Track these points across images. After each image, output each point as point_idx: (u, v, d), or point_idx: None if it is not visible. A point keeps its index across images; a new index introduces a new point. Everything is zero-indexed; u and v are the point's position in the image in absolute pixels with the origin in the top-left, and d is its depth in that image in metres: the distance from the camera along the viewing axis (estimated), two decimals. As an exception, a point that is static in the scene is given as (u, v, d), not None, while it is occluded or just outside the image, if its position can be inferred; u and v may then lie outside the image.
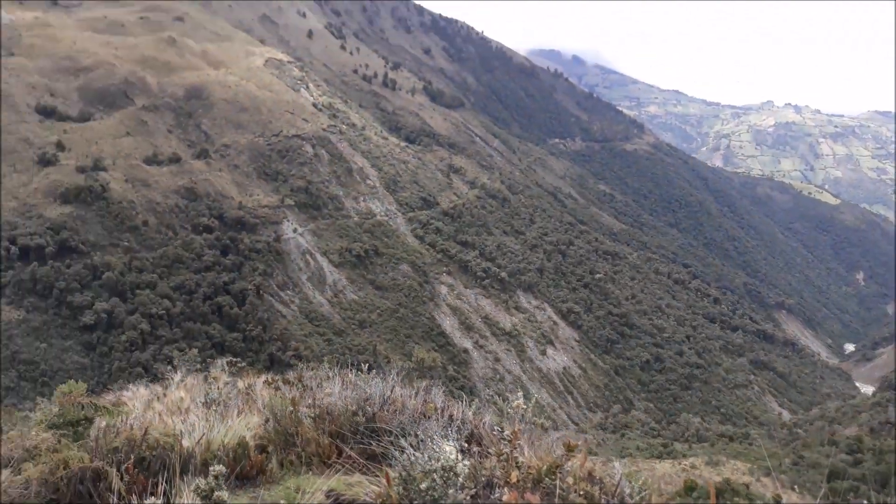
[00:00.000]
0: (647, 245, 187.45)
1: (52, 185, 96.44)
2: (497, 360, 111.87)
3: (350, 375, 7.69)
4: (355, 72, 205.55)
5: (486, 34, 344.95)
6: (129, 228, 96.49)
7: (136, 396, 14.53)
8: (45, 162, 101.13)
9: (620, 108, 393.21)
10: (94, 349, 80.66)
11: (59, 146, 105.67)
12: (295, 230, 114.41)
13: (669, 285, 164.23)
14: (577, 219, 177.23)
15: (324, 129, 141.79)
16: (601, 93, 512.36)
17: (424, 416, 6.07)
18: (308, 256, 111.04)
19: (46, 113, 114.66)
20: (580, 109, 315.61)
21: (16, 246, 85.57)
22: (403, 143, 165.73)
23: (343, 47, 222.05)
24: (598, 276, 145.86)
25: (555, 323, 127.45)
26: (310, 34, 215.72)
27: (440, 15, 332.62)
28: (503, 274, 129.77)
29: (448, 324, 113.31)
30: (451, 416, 6.11)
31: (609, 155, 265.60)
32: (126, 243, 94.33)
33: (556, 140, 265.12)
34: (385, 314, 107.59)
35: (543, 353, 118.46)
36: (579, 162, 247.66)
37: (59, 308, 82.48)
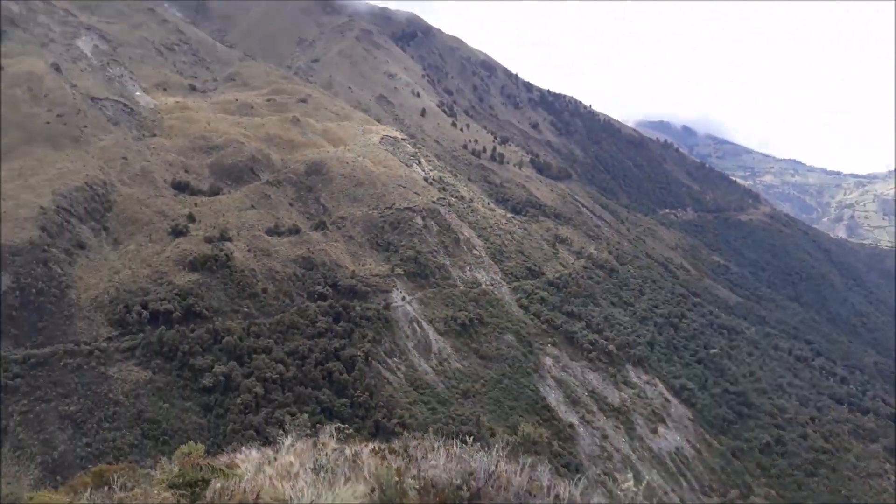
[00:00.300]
0: (765, 319, 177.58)
1: (182, 254, 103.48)
2: (604, 436, 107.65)
3: (454, 447, 7.70)
4: (465, 147, 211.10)
5: (593, 107, 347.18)
6: (249, 295, 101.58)
7: (248, 459, 15.04)
8: (178, 233, 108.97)
9: (734, 178, 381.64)
10: (212, 410, 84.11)
11: (191, 218, 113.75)
12: (403, 298, 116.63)
13: (791, 362, 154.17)
14: (689, 291, 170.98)
15: (433, 202, 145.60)
16: (713, 163, 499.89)
17: (530, 494, 6.00)
18: (415, 324, 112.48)
19: (181, 188, 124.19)
20: (691, 179, 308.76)
21: (147, 310, 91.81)
22: (510, 214, 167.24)
23: (454, 124, 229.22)
24: (713, 351, 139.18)
25: (666, 400, 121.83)
26: (423, 112, 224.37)
27: (548, 91, 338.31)
28: (611, 347, 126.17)
29: (553, 397, 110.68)
30: (557, 496, 6.02)
31: (723, 225, 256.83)
32: (246, 309, 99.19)
33: (667, 210, 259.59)
34: (489, 384, 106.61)
35: (654, 431, 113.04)
36: (691, 232, 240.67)
37: (182, 370, 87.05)
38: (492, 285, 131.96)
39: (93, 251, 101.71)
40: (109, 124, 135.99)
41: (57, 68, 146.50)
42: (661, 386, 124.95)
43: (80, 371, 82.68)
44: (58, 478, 71.06)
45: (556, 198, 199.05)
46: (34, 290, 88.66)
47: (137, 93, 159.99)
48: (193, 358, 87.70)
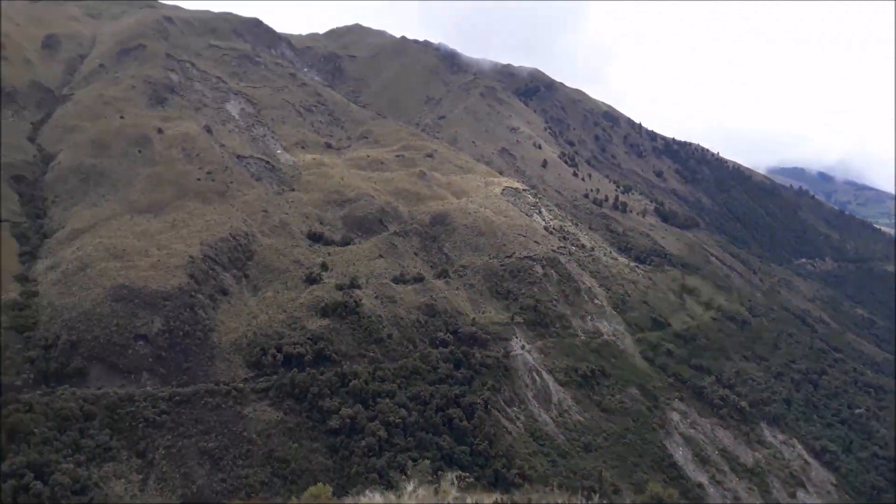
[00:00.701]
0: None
1: (315, 300, 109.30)
2: (737, 498, 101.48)
3: (579, 502, 8.39)
4: (586, 196, 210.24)
5: (721, 155, 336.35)
6: (375, 340, 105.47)
7: (371, 503, 16.06)
8: (311, 280, 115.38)
9: (878, 227, 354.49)
10: (337, 452, 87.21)
11: (324, 266, 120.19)
12: (523, 347, 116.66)
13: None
14: (829, 345, 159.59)
15: (554, 251, 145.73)
16: (854, 210, 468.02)
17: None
18: (534, 374, 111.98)
19: (315, 238, 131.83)
20: (829, 228, 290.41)
21: (281, 353, 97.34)
22: (633, 263, 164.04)
23: (575, 174, 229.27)
24: (858, 411, 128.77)
25: (806, 462, 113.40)
26: (544, 164, 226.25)
27: (673, 139, 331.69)
28: (743, 403, 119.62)
29: (680, 454, 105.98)
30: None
31: (866, 276, 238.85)
32: (372, 354, 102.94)
33: (803, 260, 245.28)
34: (611, 438, 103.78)
35: (793, 495, 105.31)
36: (831, 284, 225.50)
37: (311, 411, 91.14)
38: (614, 336, 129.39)
39: (234, 297, 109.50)
40: (253, 180, 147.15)
41: (208, 130, 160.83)
42: (799, 447, 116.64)
43: (219, 410, 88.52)
44: (196, 510, 76.09)
45: (682, 246, 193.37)
46: (181, 333, 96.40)
47: (278, 151, 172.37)
48: (322, 400, 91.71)
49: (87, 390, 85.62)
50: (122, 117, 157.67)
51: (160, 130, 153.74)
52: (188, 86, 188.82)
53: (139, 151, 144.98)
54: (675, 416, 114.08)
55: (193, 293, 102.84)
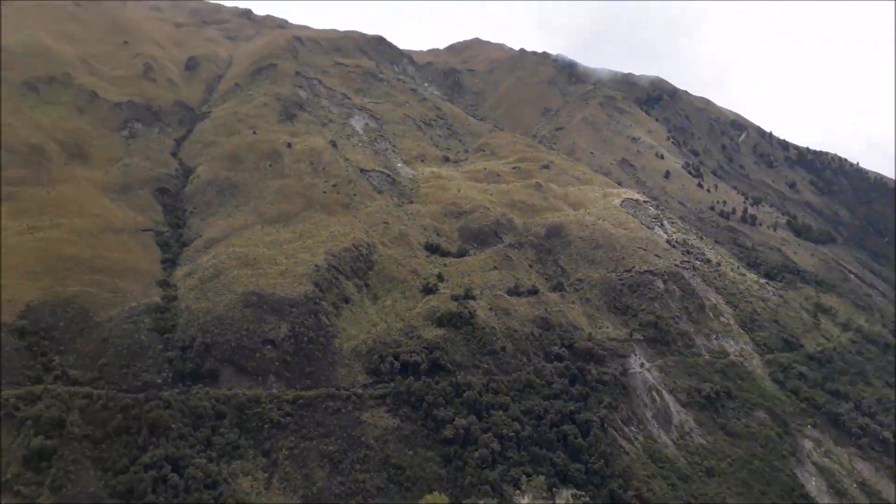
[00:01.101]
0: None
1: (431, 310, 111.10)
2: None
3: None
4: (712, 208, 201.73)
5: (861, 165, 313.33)
6: (489, 352, 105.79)
7: None
8: (428, 290, 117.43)
9: None
10: (451, 462, 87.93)
11: (440, 278, 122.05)
12: (642, 365, 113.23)
13: None
14: None
15: (676, 265, 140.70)
16: None
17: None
18: (654, 393, 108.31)
19: (432, 249, 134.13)
20: None
21: (398, 361, 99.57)
22: (762, 280, 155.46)
23: (700, 185, 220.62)
24: None
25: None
26: (667, 174, 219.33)
27: (807, 148, 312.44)
28: (886, 433, 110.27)
29: (813, 485, 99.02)
30: None
31: None
32: (486, 365, 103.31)
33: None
34: (736, 464, 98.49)
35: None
36: None
37: (426, 420, 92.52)
38: (741, 356, 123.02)
39: (355, 305, 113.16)
40: (374, 192, 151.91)
41: (334, 144, 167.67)
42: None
43: (339, 414, 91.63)
44: (316, 511, 78.92)
45: (817, 262, 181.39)
46: (306, 339, 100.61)
47: (399, 164, 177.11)
48: (437, 409, 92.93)
49: (219, 390, 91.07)
50: (254, 133, 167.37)
51: (289, 145, 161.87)
52: (315, 102, 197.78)
53: (270, 165, 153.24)
54: (808, 444, 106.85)
55: (318, 300, 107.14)
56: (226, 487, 79.64)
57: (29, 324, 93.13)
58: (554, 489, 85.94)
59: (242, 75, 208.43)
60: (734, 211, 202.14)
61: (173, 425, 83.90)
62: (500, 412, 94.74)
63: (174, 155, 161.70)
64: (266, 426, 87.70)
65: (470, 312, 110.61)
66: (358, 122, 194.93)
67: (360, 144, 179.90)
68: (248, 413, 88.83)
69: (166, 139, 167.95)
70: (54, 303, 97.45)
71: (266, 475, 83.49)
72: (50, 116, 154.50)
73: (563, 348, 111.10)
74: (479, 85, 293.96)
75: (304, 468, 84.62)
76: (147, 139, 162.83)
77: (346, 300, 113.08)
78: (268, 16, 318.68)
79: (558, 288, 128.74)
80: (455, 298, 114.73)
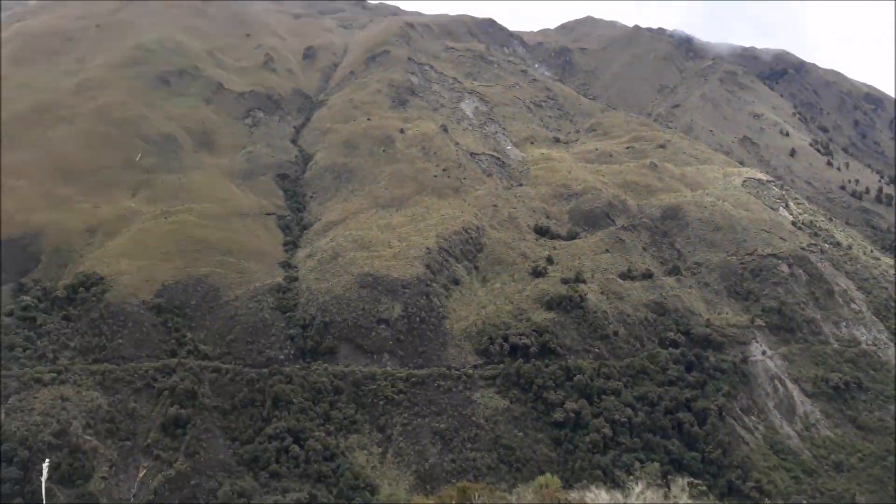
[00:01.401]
0: None
1: (540, 293, 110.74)
2: None
3: None
4: (842, 188, 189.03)
5: None
6: (600, 336, 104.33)
7: (597, 499, 16.06)
8: (537, 273, 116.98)
9: None
10: (561, 445, 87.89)
11: (549, 260, 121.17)
12: (764, 353, 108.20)
13: None
14: None
15: (802, 248, 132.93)
16: None
17: None
18: (777, 382, 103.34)
19: (542, 232, 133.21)
20: None
21: (507, 343, 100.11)
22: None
23: (829, 163, 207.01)
24: None
25: None
26: (792, 152, 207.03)
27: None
28: None
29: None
30: None
31: None
32: (597, 350, 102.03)
33: None
34: (868, 460, 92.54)
35: None
36: None
37: (536, 403, 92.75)
38: (874, 345, 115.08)
39: (465, 287, 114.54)
40: (484, 175, 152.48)
41: (444, 129, 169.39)
42: None
43: (450, 393, 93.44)
44: (427, 486, 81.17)
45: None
46: (418, 319, 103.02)
47: (508, 147, 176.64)
48: (546, 392, 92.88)
49: (337, 367, 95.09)
50: (368, 119, 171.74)
51: (402, 130, 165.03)
52: (427, 87, 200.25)
53: (383, 150, 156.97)
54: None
55: (429, 282, 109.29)
56: (343, 460, 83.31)
57: (164, 301, 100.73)
58: (668, 476, 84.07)
59: (357, 63, 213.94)
60: (867, 190, 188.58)
61: (294, 399, 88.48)
62: (612, 397, 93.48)
63: (293, 142, 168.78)
64: (381, 402, 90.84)
65: (580, 296, 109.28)
66: (468, 106, 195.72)
67: (469, 128, 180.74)
68: (364, 389, 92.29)
69: (286, 127, 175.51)
70: (187, 282, 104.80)
71: (381, 450, 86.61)
72: (180, 107, 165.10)
73: (679, 334, 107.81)
74: (590, 64, 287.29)
75: (416, 444, 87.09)
76: (268, 127, 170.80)
77: (457, 282, 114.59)
78: (381, 3, 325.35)
79: (674, 272, 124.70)
80: (565, 282, 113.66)
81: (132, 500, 77.82)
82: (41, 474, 69.62)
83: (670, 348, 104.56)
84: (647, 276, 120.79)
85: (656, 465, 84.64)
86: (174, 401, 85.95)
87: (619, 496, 16.38)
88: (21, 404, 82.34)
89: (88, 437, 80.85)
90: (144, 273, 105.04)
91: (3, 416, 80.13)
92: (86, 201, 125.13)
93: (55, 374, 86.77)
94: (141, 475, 79.49)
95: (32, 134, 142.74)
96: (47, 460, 56.52)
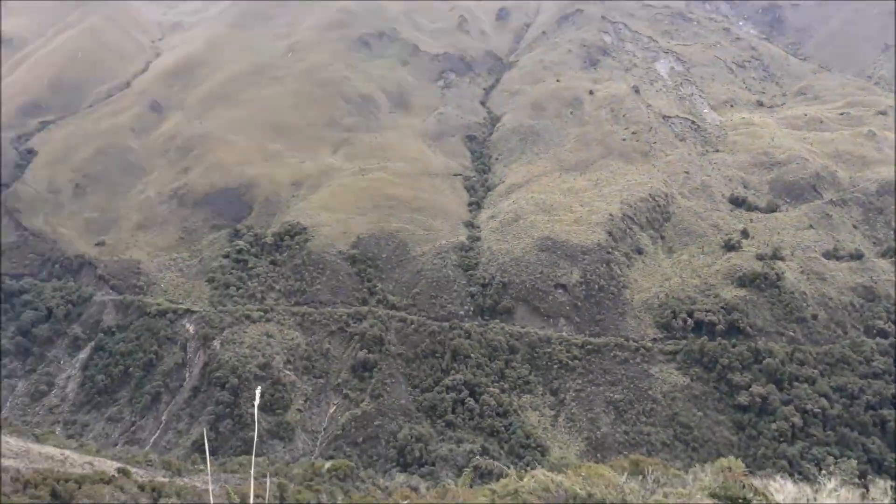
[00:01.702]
0: None
1: (732, 268, 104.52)
2: None
3: None
4: None
5: None
6: (796, 319, 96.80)
7: (782, 491, 15.13)
8: (729, 247, 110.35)
9: None
10: (744, 429, 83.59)
11: (744, 234, 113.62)
12: None
13: None
14: None
15: None
16: None
17: None
18: None
19: (737, 203, 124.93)
20: None
21: (692, 319, 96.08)
22: None
23: None
24: None
25: None
26: None
27: None
28: None
29: None
30: None
31: None
32: (791, 333, 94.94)
33: None
34: None
35: None
36: None
37: (719, 383, 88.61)
38: None
39: (649, 257, 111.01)
40: (676, 140, 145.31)
41: (636, 90, 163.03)
42: None
43: (627, 364, 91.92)
44: (598, 454, 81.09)
45: None
46: (596, 286, 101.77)
47: (705, 110, 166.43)
48: (732, 373, 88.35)
49: (513, 327, 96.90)
50: (557, 80, 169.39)
51: (591, 92, 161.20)
52: (619, 47, 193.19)
53: (571, 112, 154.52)
54: None
55: (610, 250, 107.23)
56: (515, 418, 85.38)
57: (359, 253, 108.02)
58: (867, 476, 77.28)
59: (549, 23, 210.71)
60: None
61: (472, 354, 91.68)
62: (805, 385, 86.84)
63: (482, 103, 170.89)
64: (555, 366, 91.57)
65: (777, 274, 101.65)
66: (663, 66, 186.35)
67: (663, 90, 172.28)
68: (539, 352, 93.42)
69: (476, 88, 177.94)
70: (379, 236, 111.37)
71: (553, 413, 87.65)
72: (379, 69, 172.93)
73: (890, 323, 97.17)
74: (803, 20, 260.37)
75: (589, 412, 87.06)
76: (459, 89, 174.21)
77: (640, 251, 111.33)
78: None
79: (889, 254, 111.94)
80: (760, 258, 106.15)
81: (322, 433, 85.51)
82: (253, 400, 78.60)
83: (878, 338, 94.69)
84: (857, 256, 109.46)
85: (853, 462, 77.91)
86: (363, 345, 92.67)
87: (807, 490, 15.36)
88: (233, 337, 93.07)
89: (288, 372, 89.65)
90: (342, 225, 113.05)
91: (218, 346, 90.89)
92: (293, 156, 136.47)
93: (262, 313, 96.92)
94: (331, 411, 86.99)
95: (249, 93, 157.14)
96: (259, 387, 63.37)
